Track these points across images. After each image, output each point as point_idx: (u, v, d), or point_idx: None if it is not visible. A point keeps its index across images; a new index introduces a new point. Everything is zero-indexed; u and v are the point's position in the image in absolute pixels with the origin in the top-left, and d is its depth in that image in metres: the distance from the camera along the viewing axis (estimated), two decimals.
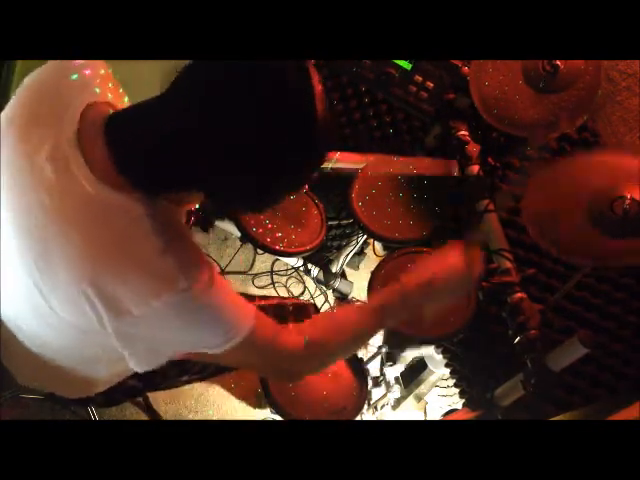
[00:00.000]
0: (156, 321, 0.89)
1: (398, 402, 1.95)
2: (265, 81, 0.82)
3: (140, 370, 0.96)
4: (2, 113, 0.96)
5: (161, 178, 0.88)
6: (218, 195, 0.92)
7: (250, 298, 1.49)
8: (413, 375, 1.93)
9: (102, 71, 0.97)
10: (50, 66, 0.96)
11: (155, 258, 0.86)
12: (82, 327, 0.93)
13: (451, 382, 1.72)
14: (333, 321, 1.16)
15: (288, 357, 1.03)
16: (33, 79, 0.97)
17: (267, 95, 0.81)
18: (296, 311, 1.49)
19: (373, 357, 1.96)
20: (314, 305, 1.60)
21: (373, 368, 2.00)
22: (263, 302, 1.40)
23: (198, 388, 2.00)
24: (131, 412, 1.87)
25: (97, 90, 0.94)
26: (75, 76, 0.94)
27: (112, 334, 0.90)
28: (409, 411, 2.02)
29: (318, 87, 0.85)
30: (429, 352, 1.82)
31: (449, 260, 1.16)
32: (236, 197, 0.91)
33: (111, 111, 0.92)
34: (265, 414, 1.99)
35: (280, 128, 0.83)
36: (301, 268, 2.32)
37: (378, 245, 1.93)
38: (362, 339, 1.21)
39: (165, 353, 0.96)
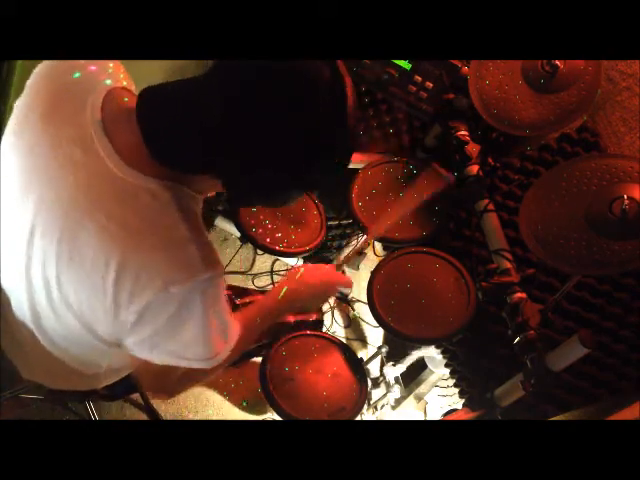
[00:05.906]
0: (164, 307, 0.88)
1: (398, 402, 1.95)
2: (299, 79, 0.83)
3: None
4: (18, 102, 0.96)
5: (190, 158, 0.88)
6: (237, 184, 0.92)
7: (248, 292, 1.51)
8: (413, 375, 1.93)
9: (111, 64, 0.98)
10: (54, 65, 0.96)
11: (182, 245, 0.87)
12: (94, 308, 0.91)
13: (451, 382, 1.72)
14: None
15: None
16: (45, 73, 0.96)
17: (298, 94, 0.83)
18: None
19: (373, 357, 1.96)
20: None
21: (373, 368, 2.00)
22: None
23: (198, 388, 2.00)
24: (131, 412, 1.87)
25: (108, 82, 0.94)
26: (77, 74, 0.94)
27: (120, 318, 0.89)
28: (409, 411, 2.02)
29: (349, 88, 0.87)
30: (429, 352, 1.82)
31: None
32: (254, 188, 0.92)
33: (126, 99, 0.92)
34: (265, 414, 1.99)
35: (310, 127, 0.84)
36: None
37: (378, 245, 1.93)
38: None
39: (159, 347, 0.94)
